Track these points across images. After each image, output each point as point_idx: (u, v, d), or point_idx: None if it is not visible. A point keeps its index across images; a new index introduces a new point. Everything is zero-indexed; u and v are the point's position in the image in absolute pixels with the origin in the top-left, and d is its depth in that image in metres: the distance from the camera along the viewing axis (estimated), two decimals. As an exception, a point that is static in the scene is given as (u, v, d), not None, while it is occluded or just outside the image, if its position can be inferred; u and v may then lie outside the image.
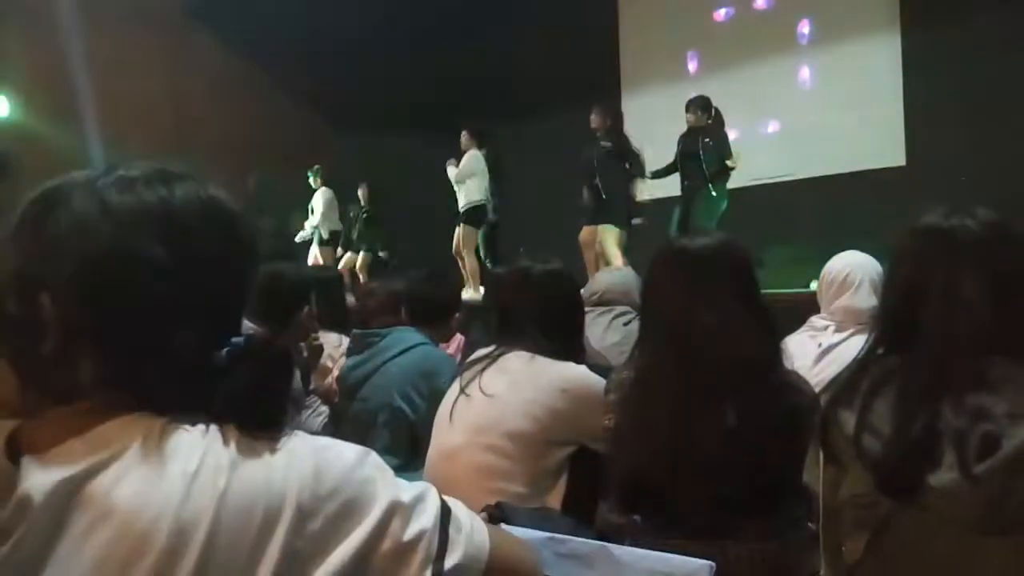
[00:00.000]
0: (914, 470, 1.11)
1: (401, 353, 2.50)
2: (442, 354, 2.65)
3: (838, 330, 2.31)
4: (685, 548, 1.06)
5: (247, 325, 0.81)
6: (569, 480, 1.77)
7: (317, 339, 2.60)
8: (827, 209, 6.86)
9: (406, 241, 8.55)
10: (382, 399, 2.46)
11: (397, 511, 0.72)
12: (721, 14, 8.39)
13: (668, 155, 6.46)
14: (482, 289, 6.45)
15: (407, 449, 2.39)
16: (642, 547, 1.00)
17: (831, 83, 7.59)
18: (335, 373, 2.83)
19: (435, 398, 2.03)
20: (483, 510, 1.31)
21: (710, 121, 6.21)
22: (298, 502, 0.67)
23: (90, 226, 0.69)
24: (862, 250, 2.44)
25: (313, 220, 8.56)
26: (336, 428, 2.70)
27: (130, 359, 0.69)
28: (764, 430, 1.42)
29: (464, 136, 7.04)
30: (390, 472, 0.75)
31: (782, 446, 1.44)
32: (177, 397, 0.69)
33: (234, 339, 0.73)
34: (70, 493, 0.63)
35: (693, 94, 6.41)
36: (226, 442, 0.68)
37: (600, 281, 2.93)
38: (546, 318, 1.89)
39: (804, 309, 2.48)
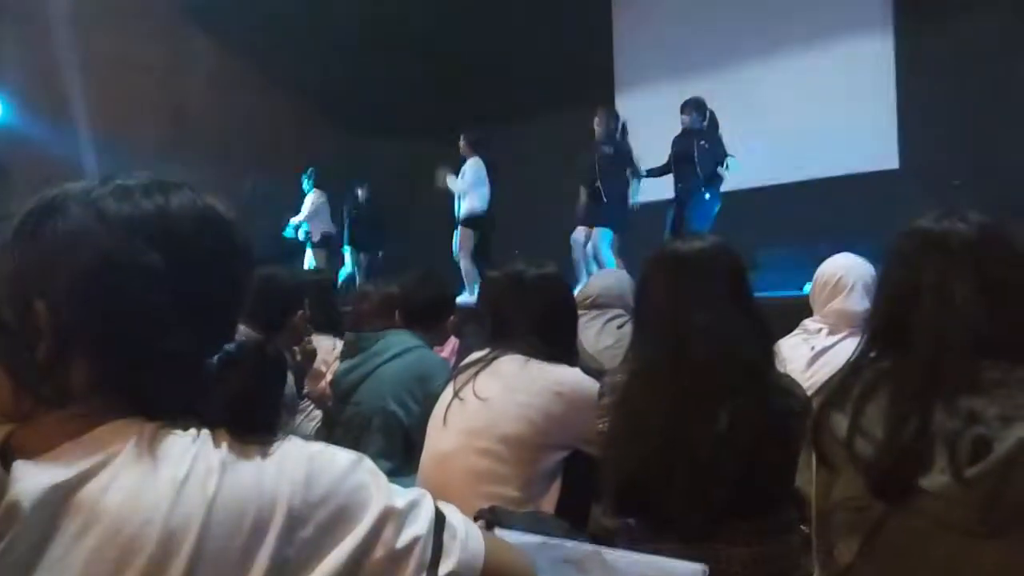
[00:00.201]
0: (906, 473, 1.11)
1: (395, 357, 2.49)
2: (436, 358, 2.64)
3: (831, 333, 2.31)
4: (678, 552, 1.06)
5: (241, 330, 0.81)
6: (563, 484, 1.77)
7: (310, 343, 2.60)
8: (820, 212, 6.88)
9: (405, 242, 8.55)
10: (376, 403, 2.45)
11: (390, 517, 0.72)
12: (715, 17, 8.41)
13: (660, 156, 6.47)
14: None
15: (401, 453, 2.39)
16: (635, 551, 1.00)
17: (824, 85, 7.61)
18: (328, 377, 2.82)
19: (429, 402, 2.03)
20: (477, 515, 1.31)
21: (705, 124, 6.23)
22: (289, 508, 0.67)
23: (86, 234, 0.70)
24: (855, 253, 2.45)
25: (297, 219, 8.53)
26: (329, 432, 2.70)
27: (124, 365, 0.70)
28: (757, 433, 1.42)
29: (463, 144, 7.01)
30: (384, 478, 0.75)
31: (775, 449, 1.44)
32: (169, 402, 0.70)
33: (227, 345, 0.73)
34: (60, 498, 0.63)
35: (687, 95, 6.42)
36: (217, 447, 0.68)
37: (593, 284, 2.93)
38: (540, 321, 1.90)
39: (797, 312, 2.49)
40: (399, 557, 0.71)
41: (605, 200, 6.17)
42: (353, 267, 8.48)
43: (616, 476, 1.53)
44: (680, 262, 1.57)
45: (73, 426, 0.67)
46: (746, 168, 6.30)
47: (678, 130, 6.35)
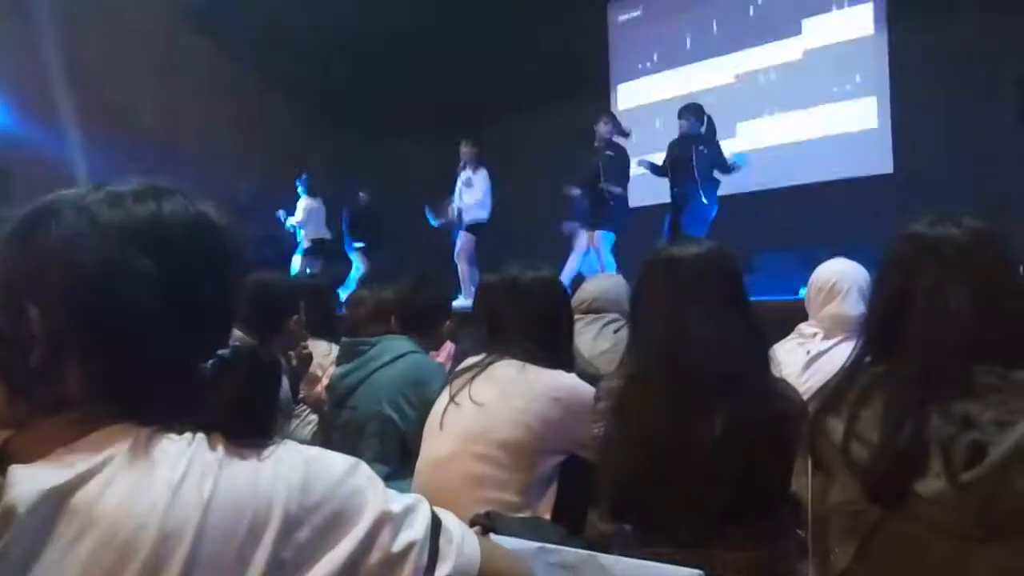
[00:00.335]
0: (902, 478, 1.11)
1: (391, 362, 2.49)
2: (432, 362, 2.64)
3: (826, 337, 2.32)
4: (674, 556, 1.06)
5: (236, 335, 0.81)
6: (559, 489, 1.77)
7: (306, 347, 2.60)
8: (815, 217, 6.90)
9: (404, 244, 8.54)
10: (372, 408, 2.45)
11: (387, 521, 0.72)
12: (712, 24, 8.44)
13: (655, 157, 6.48)
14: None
15: (397, 458, 2.39)
16: (631, 556, 1.00)
17: (819, 90, 7.64)
18: (324, 382, 2.82)
19: (425, 407, 2.03)
20: (473, 520, 1.31)
21: (703, 128, 6.24)
22: (285, 511, 0.68)
23: (79, 241, 0.70)
24: (850, 257, 2.46)
25: (292, 221, 8.52)
26: (325, 437, 2.69)
27: (117, 371, 0.70)
28: (753, 438, 1.42)
29: (468, 151, 7.20)
30: (380, 482, 0.76)
31: (770, 454, 1.44)
32: (164, 407, 0.70)
33: (221, 350, 0.73)
34: (56, 502, 0.63)
35: (680, 97, 6.45)
36: (212, 451, 0.69)
37: (589, 289, 2.93)
38: (536, 326, 1.89)
39: (792, 317, 2.49)
40: (395, 561, 0.71)
41: (611, 202, 6.19)
42: (362, 269, 8.42)
43: (612, 481, 1.53)
44: (676, 267, 1.57)
45: (68, 431, 0.67)
46: (741, 172, 6.31)
47: (673, 128, 6.35)
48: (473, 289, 6.69)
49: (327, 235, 8.56)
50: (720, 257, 1.58)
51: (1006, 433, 1.06)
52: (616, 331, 2.67)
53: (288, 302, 2.41)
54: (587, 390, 1.77)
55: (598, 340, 2.66)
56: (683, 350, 1.48)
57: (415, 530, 0.74)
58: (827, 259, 2.49)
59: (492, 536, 1.09)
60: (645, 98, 8.34)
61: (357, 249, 8.40)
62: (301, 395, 2.95)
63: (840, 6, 7.61)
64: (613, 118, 6.51)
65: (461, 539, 0.77)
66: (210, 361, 0.72)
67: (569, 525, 1.64)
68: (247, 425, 0.71)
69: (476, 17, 8.60)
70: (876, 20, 7.39)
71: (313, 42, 8.52)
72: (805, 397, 1.54)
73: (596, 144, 6.41)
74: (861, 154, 7.31)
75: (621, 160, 6.31)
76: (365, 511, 0.71)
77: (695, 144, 6.12)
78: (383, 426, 2.43)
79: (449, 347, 3.08)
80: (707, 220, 6.05)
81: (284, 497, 0.68)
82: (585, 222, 6.43)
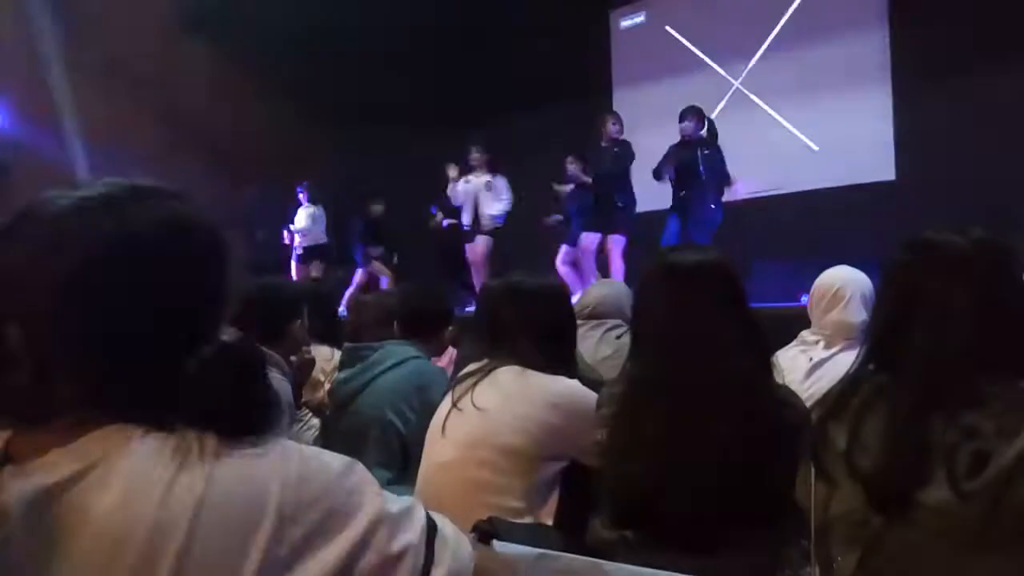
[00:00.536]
0: (905, 487, 1.11)
1: (393, 367, 2.49)
2: (434, 368, 2.64)
3: (828, 345, 2.32)
4: (676, 564, 1.06)
5: (230, 334, 0.80)
6: (561, 495, 1.76)
7: (309, 352, 2.60)
8: (817, 223, 6.90)
9: (404, 245, 8.55)
10: (374, 413, 2.45)
11: (384, 522, 0.72)
12: (713, 31, 8.45)
13: (654, 159, 6.47)
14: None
15: (399, 463, 2.39)
16: (633, 563, 1.00)
17: (821, 96, 7.65)
18: (327, 387, 2.82)
19: (427, 412, 2.03)
20: (475, 525, 1.31)
21: (704, 132, 6.22)
22: (280, 507, 0.68)
23: (50, 255, 0.69)
24: (852, 264, 2.45)
25: (295, 227, 8.53)
26: (327, 442, 2.69)
27: (105, 381, 0.70)
28: (755, 445, 1.42)
29: (479, 157, 7.34)
30: (377, 484, 0.76)
31: (773, 461, 1.44)
32: (152, 408, 0.70)
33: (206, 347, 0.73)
34: (49, 502, 0.64)
35: (682, 101, 6.44)
36: (203, 448, 0.68)
37: (592, 294, 2.93)
38: (538, 332, 1.89)
39: (795, 323, 2.49)
40: (392, 563, 0.72)
41: (621, 206, 6.18)
42: (386, 278, 8.37)
43: (614, 488, 1.53)
44: (677, 274, 1.57)
45: (63, 434, 0.67)
46: (743, 178, 6.30)
47: (672, 135, 6.33)
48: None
49: (325, 240, 8.54)
50: (721, 264, 1.58)
51: (1009, 443, 1.06)
52: (618, 337, 2.67)
53: (292, 307, 2.41)
54: (588, 396, 1.77)
55: (600, 346, 2.66)
56: (685, 357, 1.48)
57: (412, 533, 0.74)
58: (829, 266, 2.49)
59: (494, 543, 1.09)
60: (645, 104, 8.34)
61: (374, 259, 8.35)
62: (303, 400, 2.95)
63: (842, 14, 7.61)
64: (618, 119, 6.50)
65: (456, 544, 0.77)
66: (195, 358, 0.71)
67: (571, 531, 1.63)
68: (235, 420, 0.71)
69: (476, 17, 8.62)
70: (879, 28, 7.39)
71: (314, 50, 8.53)
72: (808, 404, 1.54)
73: (603, 144, 6.39)
74: (862, 160, 7.30)
75: (627, 159, 6.30)
76: (361, 511, 0.72)
77: (700, 148, 6.07)
78: (385, 431, 2.43)
79: (451, 352, 3.08)
80: (713, 226, 6.00)
81: (278, 494, 0.68)
82: (585, 222, 6.42)
